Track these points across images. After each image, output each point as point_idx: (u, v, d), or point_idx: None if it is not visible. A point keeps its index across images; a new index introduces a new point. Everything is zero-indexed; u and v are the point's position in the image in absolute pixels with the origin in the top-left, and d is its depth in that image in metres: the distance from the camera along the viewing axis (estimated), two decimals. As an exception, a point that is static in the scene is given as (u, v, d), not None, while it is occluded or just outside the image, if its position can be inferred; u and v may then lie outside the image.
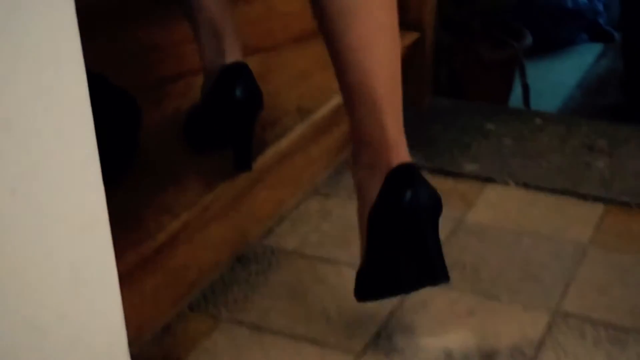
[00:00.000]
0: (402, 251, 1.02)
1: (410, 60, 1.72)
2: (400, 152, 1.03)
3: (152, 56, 1.45)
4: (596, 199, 1.50)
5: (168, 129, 1.34)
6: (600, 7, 2.68)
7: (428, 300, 1.23)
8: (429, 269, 1.02)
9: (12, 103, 0.61)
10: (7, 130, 0.60)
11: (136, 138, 1.23)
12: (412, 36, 1.72)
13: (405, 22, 1.67)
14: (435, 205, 1.02)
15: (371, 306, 1.16)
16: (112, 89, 1.20)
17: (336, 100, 1.47)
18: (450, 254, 1.15)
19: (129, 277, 1.02)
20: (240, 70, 1.18)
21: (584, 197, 1.51)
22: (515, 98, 2.23)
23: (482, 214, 1.48)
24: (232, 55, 1.19)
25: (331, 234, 1.42)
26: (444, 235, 1.09)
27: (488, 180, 1.57)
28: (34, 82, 0.62)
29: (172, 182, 1.20)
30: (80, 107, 0.67)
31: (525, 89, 2.20)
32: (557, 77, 2.51)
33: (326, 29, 1.03)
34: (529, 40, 2.23)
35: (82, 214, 0.68)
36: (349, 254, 1.25)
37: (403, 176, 1.01)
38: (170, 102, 1.43)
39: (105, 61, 1.38)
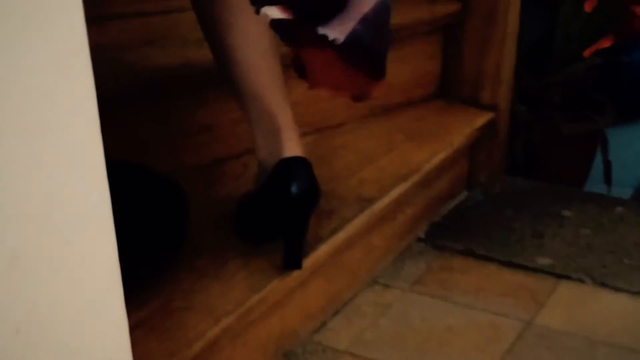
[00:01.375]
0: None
1: (482, 141, 1.63)
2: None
3: (206, 136, 1.39)
4: (683, 305, 1.37)
5: (218, 216, 1.26)
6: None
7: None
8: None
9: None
10: None
11: (182, 231, 1.16)
12: (486, 116, 1.62)
13: (479, 101, 1.58)
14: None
15: None
16: (154, 178, 1.13)
17: (401, 186, 1.39)
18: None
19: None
20: (298, 165, 1.11)
21: (669, 302, 1.38)
22: (596, 171, 2.10)
23: (553, 317, 1.37)
24: (290, 148, 1.12)
25: (388, 331, 1.33)
26: (510, 338, 0.99)
27: (562, 277, 1.45)
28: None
29: (217, 280, 1.13)
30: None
31: (607, 165, 2.06)
32: (640, 147, 2.38)
33: (210, 32, 1.13)
34: (611, 114, 2.10)
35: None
36: (405, 356, 1.15)
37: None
38: (223, 185, 1.36)
39: (157, 142, 1.32)
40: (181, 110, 1.35)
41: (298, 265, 1.16)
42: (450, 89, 1.67)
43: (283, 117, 1.12)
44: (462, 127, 1.58)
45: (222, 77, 1.15)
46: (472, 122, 1.60)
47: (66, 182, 0.59)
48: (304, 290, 1.26)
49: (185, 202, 1.16)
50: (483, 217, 1.63)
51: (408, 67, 1.61)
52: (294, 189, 1.09)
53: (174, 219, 1.13)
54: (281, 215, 1.12)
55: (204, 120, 1.38)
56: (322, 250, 1.22)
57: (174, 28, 1.42)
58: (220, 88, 1.36)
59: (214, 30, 1.12)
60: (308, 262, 1.19)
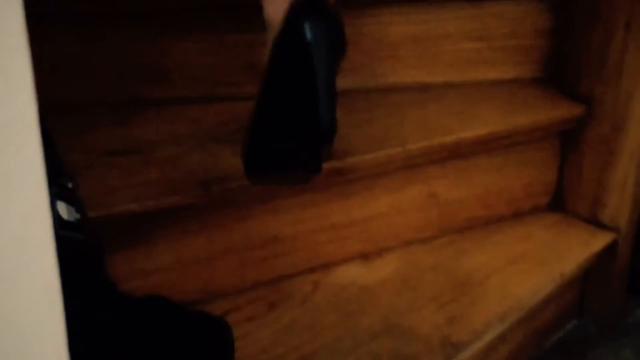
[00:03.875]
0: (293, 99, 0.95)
1: (598, 265, 1.38)
2: None
3: (274, 248, 1.20)
4: None
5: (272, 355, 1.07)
6: None
7: None
8: (315, 117, 0.95)
9: None
10: None
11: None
12: (605, 238, 1.38)
13: (598, 219, 1.34)
14: (334, 45, 0.95)
15: None
16: (196, 317, 0.95)
17: (497, 328, 1.16)
18: None
19: None
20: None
21: None
22: None
23: None
24: None
25: None
26: None
27: None
28: None
29: None
30: None
31: None
32: None
33: None
34: None
35: None
36: None
37: (302, 9, 0.93)
38: (286, 310, 1.17)
39: (217, 260, 1.15)
40: (244, 221, 1.16)
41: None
42: (566, 202, 1.43)
43: None
44: (576, 251, 1.34)
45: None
46: (588, 245, 1.35)
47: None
48: None
49: (231, 338, 0.97)
50: (594, 358, 1.38)
51: (517, 175, 1.39)
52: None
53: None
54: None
55: (271, 231, 1.19)
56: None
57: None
58: (290, 197, 1.19)
59: None
60: None
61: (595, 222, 1.41)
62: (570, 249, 1.34)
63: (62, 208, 0.80)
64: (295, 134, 1.00)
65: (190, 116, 1.29)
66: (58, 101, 1.27)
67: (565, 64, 1.41)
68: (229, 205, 1.14)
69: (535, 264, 1.30)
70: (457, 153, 1.28)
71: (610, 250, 1.39)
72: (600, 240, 1.38)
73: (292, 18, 0.94)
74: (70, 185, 0.82)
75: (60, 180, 0.81)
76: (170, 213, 1.09)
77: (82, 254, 0.82)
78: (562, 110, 1.37)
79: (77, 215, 0.81)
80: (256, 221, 1.17)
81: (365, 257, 1.28)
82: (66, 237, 0.79)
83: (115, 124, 1.26)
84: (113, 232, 1.06)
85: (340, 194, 1.23)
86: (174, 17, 1.29)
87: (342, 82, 1.35)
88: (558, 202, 1.45)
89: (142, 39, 1.28)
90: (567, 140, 1.40)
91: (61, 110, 1.26)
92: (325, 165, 1.16)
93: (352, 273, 1.27)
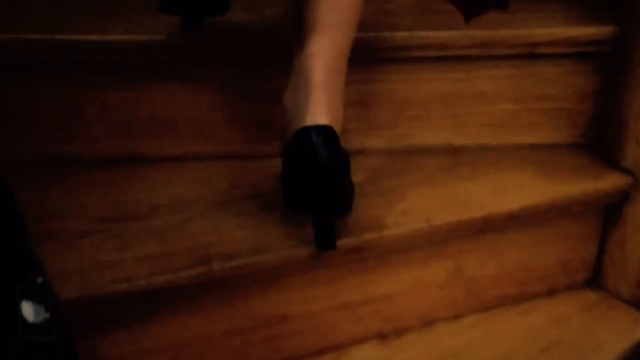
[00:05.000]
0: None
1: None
2: (318, 109, 1.02)
3: (281, 328, 1.09)
4: None
5: None
6: None
7: None
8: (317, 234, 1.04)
9: None
10: None
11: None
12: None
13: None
14: (335, 171, 1.02)
15: None
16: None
17: None
18: None
19: None
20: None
21: None
22: None
23: None
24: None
25: None
26: None
27: None
28: None
29: None
30: None
31: None
32: None
33: None
34: None
35: None
36: None
37: (307, 137, 1.01)
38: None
39: (217, 342, 1.04)
40: (251, 297, 1.06)
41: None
42: (606, 280, 1.31)
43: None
44: (616, 340, 1.21)
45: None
46: (630, 333, 1.23)
47: None
48: None
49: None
50: None
51: (553, 249, 1.26)
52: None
53: None
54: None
55: (277, 309, 1.08)
56: None
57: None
58: (300, 273, 1.08)
59: None
60: None
61: (638, 306, 1.28)
62: (610, 337, 1.22)
63: (29, 309, 0.69)
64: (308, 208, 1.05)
65: (197, 177, 1.19)
66: (52, 156, 1.19)
67: (608, 130, 1.29)
68: (232, 283, 1.03)
69: (570, 354, 1.17)
70: (487, 228, 1.17)
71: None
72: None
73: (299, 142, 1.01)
74: (40, 279, 0.72)
75: (29, 275, 0.71)
76: (165, 292, 0.98)
77: (51, 361, 0.71)
78: (605, 182, 1.24)
79: (47, 315, 0.71)
80: (262, 299, 1.07)
81: (383, 337, 1.17)
82: (32, 343, 0.69)
83: (114, 183, 1.16)
84: (101, 313, 0.96)
85: (356, 269, 1.12)
86: (182, 68, 1.19)
87: (367, 142, 1.27)
88: (597, 279, 1.32)
89: (146, 89, 1.19)
90: (610, 213, 1.28)
91: (55, 165, 1.18)
92: (341, 242, 1.05)
93: (368, 355, 1.15)
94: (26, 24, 1.19)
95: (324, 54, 1.03)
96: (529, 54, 1.24)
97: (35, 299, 0.70)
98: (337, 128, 1.03)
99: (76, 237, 1.03)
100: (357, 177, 1.12)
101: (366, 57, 1.20)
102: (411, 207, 1.13)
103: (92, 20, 1.19)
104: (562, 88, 1.28)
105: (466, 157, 1.27)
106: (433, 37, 1.20)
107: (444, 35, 1.21)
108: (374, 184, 1.19)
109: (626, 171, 1.26)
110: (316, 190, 1.01)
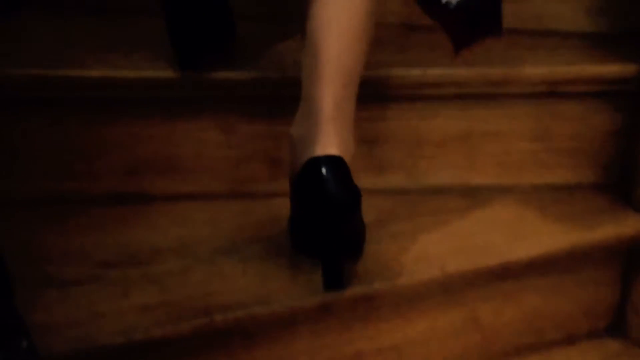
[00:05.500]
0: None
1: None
2: (328, 139, 0.98)
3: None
4: None
5: None
6: None
7: None
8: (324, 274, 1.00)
9: None
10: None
11: None
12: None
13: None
14: (346, 206, 0.97)
15: None
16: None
17: None
18: None
19: None
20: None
21: None
22: None
23: None
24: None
25: None
26: None
27: None
28: None
29: None
30: None
31: None
32: None
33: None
34: None
35: None
36: None
37: (317, 169, 0.96)
38: None
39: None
40: (255, 347, 1.01)
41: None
42: (629, 328, 1.25)
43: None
44: (639, 394, 1.16)
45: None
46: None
47: None
48: None
49: None
50: None
51: (573, 296, 1.21)
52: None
53: None
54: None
55: (284, 360, 1.03)
56: None
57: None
58: (307, 322, 1.03)
59: None
60: None
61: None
62: (633, 391, 1.16)
63: (12, 376, 0.65)
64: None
65: (202, 217, 1.15)
66: (51, 194, 1.15)
67: (631, 171, 1.23)
68: (235, 333, 0.98)
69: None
70: (504, 276, 1.12)
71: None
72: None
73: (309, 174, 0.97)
74: (25, 343, 0.67)
75: (13, 340, 0.66)
76: (164, 344, 0.94)
77: None
78: (627, 226, 1.19)
79: (33, 381, 0.67)
80: (266, 350, 1.01)
81: (394, 387, 1.12)
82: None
83: (115, 223, 1.12)
84: (96, 366, 0.92)
85: (366, 318, 1.07)
86: (189, 105, 1.15)
87: (379, 181, 1.22)
88: (619, 327, 1.26)
89: (151, 125, 1.15)
90: (633, 257, 1.22)
91: (55, 204, 1.14)
92: (350, 290, 1.01)
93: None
94: (28, 60, 1.15)
95: (333, 82, 0.99)
96: (550, 93, 1.19)
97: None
98: (348, 159, 0.98)
99: (73, 283, 0.99)
100: (368, 218, 1.07)
101: (379, 94, 1.15)
102: (425, 253, 1.08)
103: (94, 55, 1.16)
104: (583, 127, 1.23)
105: (482, 198, 1.22)
106: (448, 75, 1.16)
107: (460, 73, 1.16)
108: (385, 227, 1.14)
109: (650, 214, 1.20)
110: (325, 226, 0.96)
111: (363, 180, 1.13)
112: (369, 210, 1.07)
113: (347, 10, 1.01)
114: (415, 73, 1.15)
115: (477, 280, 1.10)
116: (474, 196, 1.23)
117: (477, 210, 1.19)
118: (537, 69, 1.18)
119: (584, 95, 1.21)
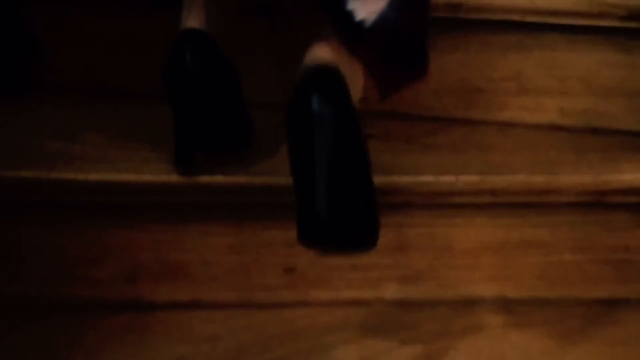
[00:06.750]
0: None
1: None
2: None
3: None
4: None
5: None
6: None
7: None
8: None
9: None
10: None
11: None
12: None
13: None
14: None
15: None
16: None
17: None
18: None
19: None
20: (190, 38, 0.96)
21: None
22: None
23: None
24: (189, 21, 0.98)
25: None
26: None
27: None
28: None
29: None
30: None
31: None
32: None
33: None
34: None
35: None
36: None
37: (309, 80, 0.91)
38: None
39: None
40: None
41: (188, 169, 1.00)
42: None
43: None
44: None
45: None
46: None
47: None
48: None
49: None
50: None
51: None
52: (180, 61, 0.96)
53: None
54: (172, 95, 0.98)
55: None
56: None
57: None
58: None
59: None
60: None
61: None
62: None
63: None
64: None
65: (207, 332, 1.04)
66: (42, 302, 1.06)
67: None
68: None
69: None
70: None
71: None
72: None
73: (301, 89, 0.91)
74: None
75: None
76: None
77: None
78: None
79: None
80: None
81: None
82: None
83: (107, 338, 1.02)
84: None
85: None
86: (192, 209, 1.05)
87: (403, 291, 1.11)
88: None
89: (152, 230, 1.05)
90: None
91: (44, 313, 1.05)
92: None
93: None
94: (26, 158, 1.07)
95: None
96: (597, 203, 1.07)
97: None
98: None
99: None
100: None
101: (405, 202, 1.05)
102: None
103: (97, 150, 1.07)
104: (633, 238, 1.12)
105: (517, 316, 1.10)
106: (483, 183, 1.05)
107: (496, 180, 1.05)
108: (415, 344, 1.03)
109: None
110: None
111: (388, 289, 1.03)
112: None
113: None
114: (446, 180, 1.05)
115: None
116: (510, 310, 1.11)
117: (514, 330, 1.08)
118: (582, 177, 1.07)
119: (635, 205, 1.09)
